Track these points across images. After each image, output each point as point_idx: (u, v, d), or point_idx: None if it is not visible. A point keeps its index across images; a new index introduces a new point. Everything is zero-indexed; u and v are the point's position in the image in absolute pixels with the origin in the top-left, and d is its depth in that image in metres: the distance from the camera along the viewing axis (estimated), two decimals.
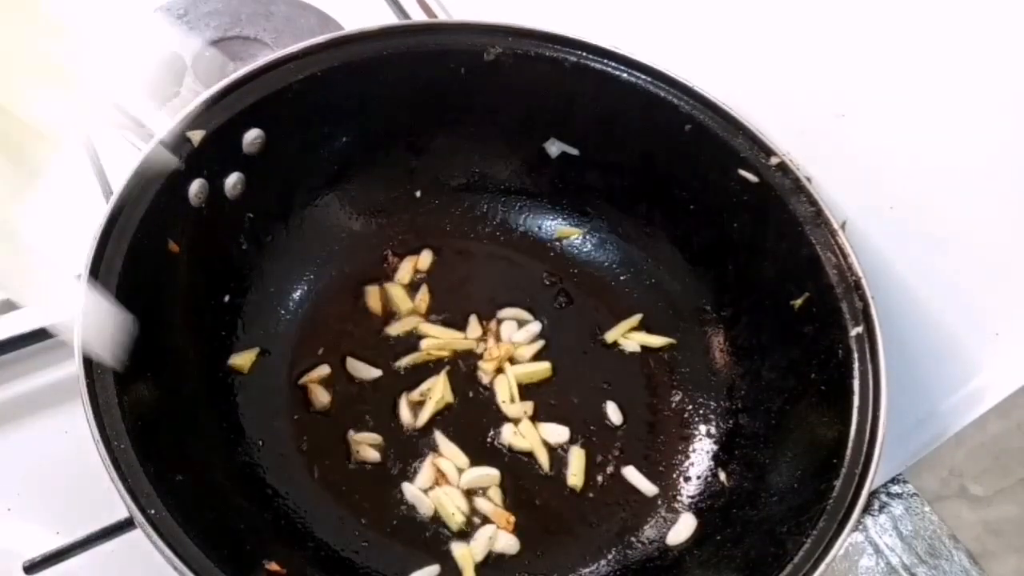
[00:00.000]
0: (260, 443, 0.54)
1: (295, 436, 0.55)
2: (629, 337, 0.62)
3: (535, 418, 0.57)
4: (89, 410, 0.41)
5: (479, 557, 0.52)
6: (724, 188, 0.57)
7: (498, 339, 0.60)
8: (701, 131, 0.57)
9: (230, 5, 0.77)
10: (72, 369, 0.42)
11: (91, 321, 0.43)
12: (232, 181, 0.54)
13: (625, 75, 0.58)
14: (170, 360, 0.51)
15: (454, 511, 0.53)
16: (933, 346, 0.52)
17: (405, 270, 0.63)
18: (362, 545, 0.51)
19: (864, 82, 0.51)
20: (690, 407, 0.59)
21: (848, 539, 0.45)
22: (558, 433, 0.57)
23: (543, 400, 0.58)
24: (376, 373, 0.58)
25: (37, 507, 0.52)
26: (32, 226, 0.37)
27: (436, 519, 0.53)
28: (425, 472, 0.54)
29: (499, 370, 0.59)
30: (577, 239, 0.65)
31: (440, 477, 0.54)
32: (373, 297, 0.61)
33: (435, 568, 0.51)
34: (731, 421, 0.57)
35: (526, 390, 0.58)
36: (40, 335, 0.56)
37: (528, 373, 0.59)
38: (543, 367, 0.59)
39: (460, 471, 0.55)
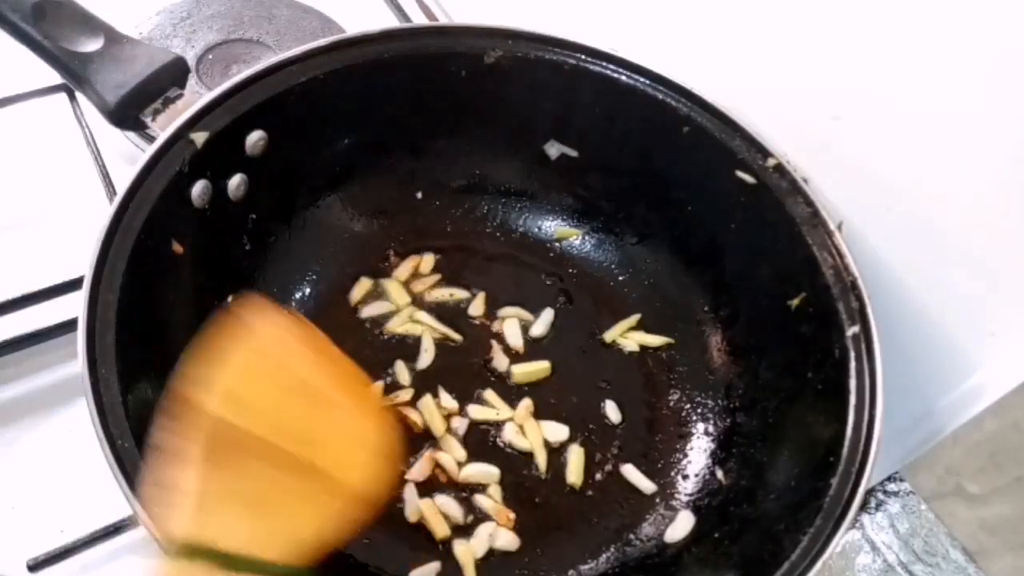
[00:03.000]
0: None
1: None
2: (628, 336, 0.62)
3: (534, 416, 0.58)
4: (93, 409, 0.42)
5: (479, 554, 0.52)
6: (722, 189, 0.57)
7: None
8: (699, 133, 0.57)
9: (233, 8, 0.78)
10: (76, 368, 0.43)
11: None
12: (235, 182, 0.55)
13: (624, 78, 0.58)
14: (173, 360, 0.51)
15: (440, 522, 0.52)
16: (929, 345, 0.52)
17: (405, 268, 0.63)
18: (363, 543, 0.51)
19: (860, 84, 0.51)
20: (688, 406, 0.59)
21: (845, 537, 0.45)
22: (558, 432, 0.57)
23: (543, 399, 0.58)
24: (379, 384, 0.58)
25: (41, 505, 0.52)
26: None
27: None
28: (421, 465, 0.54)
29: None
30: (576, 239, 0.66)
31: (438, 471, 0.55)
32: (359, 288, 0.62)
33: (436, 565, 0.51)
34: (729, 420, 0.57)
35: (526, 389, 0.59)
36: (44, 335, 0.57)
37: (528, 372, 0.59)
38: (543, 366, 0.60)
39: (460, 465, 0.55)
